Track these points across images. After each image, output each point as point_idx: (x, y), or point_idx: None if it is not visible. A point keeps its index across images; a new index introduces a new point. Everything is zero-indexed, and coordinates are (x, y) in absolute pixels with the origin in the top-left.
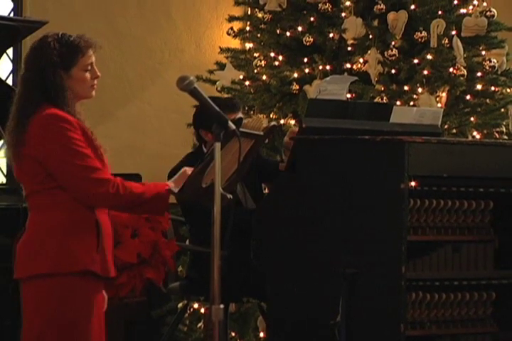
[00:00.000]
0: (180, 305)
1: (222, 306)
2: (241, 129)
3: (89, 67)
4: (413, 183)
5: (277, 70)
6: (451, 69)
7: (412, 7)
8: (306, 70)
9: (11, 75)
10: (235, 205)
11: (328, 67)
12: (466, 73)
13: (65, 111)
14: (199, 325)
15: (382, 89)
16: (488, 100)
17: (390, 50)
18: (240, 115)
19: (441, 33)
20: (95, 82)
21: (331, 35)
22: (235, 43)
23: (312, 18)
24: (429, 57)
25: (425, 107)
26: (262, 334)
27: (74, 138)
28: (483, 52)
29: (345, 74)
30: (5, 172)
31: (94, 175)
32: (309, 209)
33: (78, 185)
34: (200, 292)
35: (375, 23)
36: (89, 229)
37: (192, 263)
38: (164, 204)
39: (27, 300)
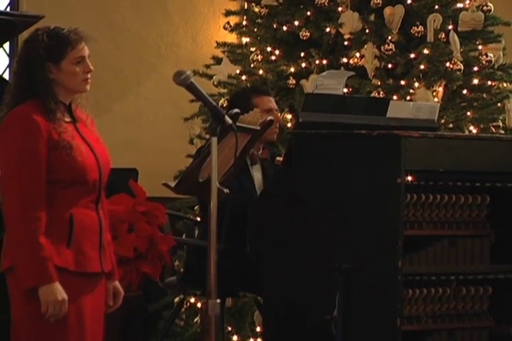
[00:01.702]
0: (176, 299)
1: (218, 301)
2: (238, 124)
3: (81, 60)
4: (409, 178)
5: (274, 65)
6: (447, 64)
7: (409, 1)
8: (303, 65)
9: (7, 70)
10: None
11: (324, 62)
12: (462, 68)
13: (46, 108)
14: (196, 319)
15: (379, 83)
16: (484, 95)
17: (386, 45)
18: (272, 100)
19: (438, 27)
20: (88, 76)
21: (328, 29)
22: (232, 38)
23: (309, 13)
24: (425, 51)
25: (422, 102)
26: (258, 329)
27: (29, 149)
28: (480, 47)
29: (342, 68)
30: None
31: (23, 200)
32: (305, 204)
33: (4, 198)
34: (198, 283)
35: (372, 17)
36: (61, 224)
37: (192, 253)
38: (34, 273)
39: (9, 293)
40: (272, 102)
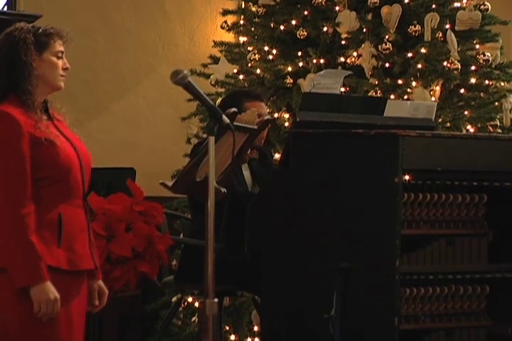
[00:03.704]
0: (174, 299)
1: (216, 300)
2: (235, 123)
3: (60, 55)
4: (407, 177)
5: (271, 64)
6: (445, 63)
7: (406, 1)
8: (300, 64)
9: None
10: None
11: (322, 61)
12: (460, 67)
13: (27, 102)
14: (193, 318)
15: (376, 82)
16: (482, 94)
17: (383, 44)
18: (263, 106)
19: (435, 26)
20: (65, 73)
21: (325, 28)
22: (229, 37)
23: (306, 12)
24: (423, 50)
25: (419, 101)
26: (256, 328)
27: (13, 147)
28: (477, 46)
29: (339, 67)
30: None
31: (14, 197)
32: (303, 203)
33: None
34: (193, 281)
35: (369, 16)
36: (50, 223)
37: (184, 251)
38: (26, 273)
39: None
40: (263, 108)
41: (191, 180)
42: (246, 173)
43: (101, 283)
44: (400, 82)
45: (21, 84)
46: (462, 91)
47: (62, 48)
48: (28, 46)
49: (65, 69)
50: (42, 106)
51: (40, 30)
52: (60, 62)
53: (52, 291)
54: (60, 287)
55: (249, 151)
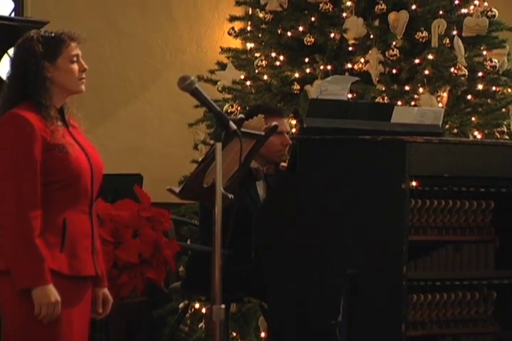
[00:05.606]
0: (181, 305)
1: (223, 306)
2: (242, 129)
3: (75, 59)
4: (414, 183)
5: (278, 70)
6: (452, 69)
7: (413, 7)
8: (307, 70)
9: None
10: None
11: (329, 67)
12: (467, 73)
13: (41, 109)
14: (200, 325)
15: (383, 89)
16: (489, 100)
17: (391, 50)
18: (284, 122)
19: (442, 32)
20: (83, 75)
21: (332, 35)
22: (236, 43)
23: (313, 18)
24: (430, 57)
25: (426, 107)
26: (263, 335)
27: (25, 150)
28: (485, 52)
29: (346, 74)
30: None
31: (19, 200)
32: (310, 209)
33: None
34: (199, 287)
35: (376, 23)
36: (55, 228)
37: (193, 258)
38: (29, 274)
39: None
40: (283, 125)
41: (198, 186)
42: (260, 192)
43: (106, 290)
44: (407, 88)
45: (34, 96)
46: (469, 97)
47: (76, 51)
48: (38, 57)
49: (82, 71)
50: (56, 111)
51: (51, 37)
52: (75, 66)
53: (53, 294)
54: (60, 291)
55: (265, 167)
